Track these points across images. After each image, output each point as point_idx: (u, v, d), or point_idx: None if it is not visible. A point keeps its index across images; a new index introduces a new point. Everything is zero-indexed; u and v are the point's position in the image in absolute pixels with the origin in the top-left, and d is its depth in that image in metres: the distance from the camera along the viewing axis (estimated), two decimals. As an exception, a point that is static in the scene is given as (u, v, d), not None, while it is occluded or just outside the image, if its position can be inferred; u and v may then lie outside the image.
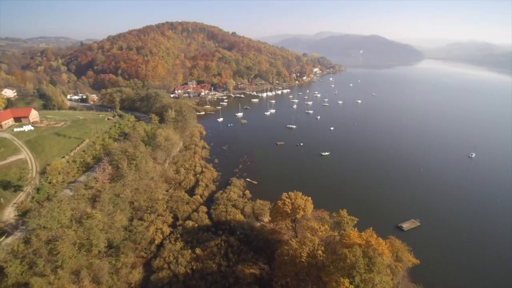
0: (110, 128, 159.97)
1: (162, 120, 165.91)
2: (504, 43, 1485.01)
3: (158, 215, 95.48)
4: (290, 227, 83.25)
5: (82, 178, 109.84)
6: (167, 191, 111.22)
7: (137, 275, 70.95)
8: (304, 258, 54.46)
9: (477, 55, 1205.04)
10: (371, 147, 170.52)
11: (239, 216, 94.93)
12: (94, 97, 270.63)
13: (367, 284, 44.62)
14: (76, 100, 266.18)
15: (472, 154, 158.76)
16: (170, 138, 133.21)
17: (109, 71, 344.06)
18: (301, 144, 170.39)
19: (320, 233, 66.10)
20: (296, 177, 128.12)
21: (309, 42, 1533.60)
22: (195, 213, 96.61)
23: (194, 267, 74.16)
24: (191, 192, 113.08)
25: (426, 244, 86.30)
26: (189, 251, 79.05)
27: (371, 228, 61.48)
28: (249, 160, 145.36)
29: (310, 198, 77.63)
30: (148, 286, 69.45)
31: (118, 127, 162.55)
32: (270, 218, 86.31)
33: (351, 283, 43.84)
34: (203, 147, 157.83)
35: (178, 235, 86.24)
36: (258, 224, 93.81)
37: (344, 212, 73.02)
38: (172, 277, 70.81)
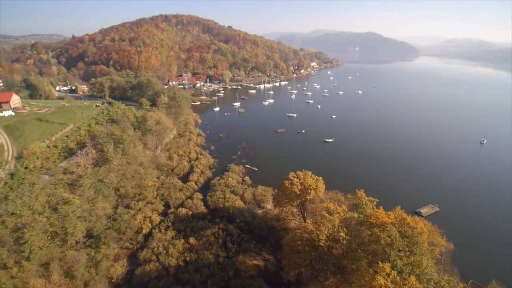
0: (98, 114, 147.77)
1: (154, 105, 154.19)
2: (499, 40, 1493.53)
3: (147, 203, 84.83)
4: (298, 213, 73.02)
5: (63, 163, 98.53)
6: (158, 177, 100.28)
7: (119, 268, 60.08)
8: (323, 242, 44.07)
9: (472, 52, 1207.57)
10: (376, 134, 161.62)
11: (239, 203, 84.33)
12: (84, 88, 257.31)
13: (412, 269, 34.63)
14: (65, 91, 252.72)
15: (483, 140, 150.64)
16: (161, 122, 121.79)
17: (100, 63, 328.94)
18: (303, 131, 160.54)
19: (337, 214, 55.88)
20: (300, 163, 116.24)
21: (304, 39, 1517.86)
22: (189, 200, 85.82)
23: (188, 258, 63.67)
24: (185, 179, 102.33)
25: (448, 230, 75.74)
26: (182, 240, 68.46)
27: (399, 206, 51.54)
28: (248, 147, 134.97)
29: (321, 178, 67.53)
30: (132, 281, 58.66)
31: (107, 114, 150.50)
32: (274, 203, 76.10)
33: (392, 268, 33.78)
34: (199, 135, 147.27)
35: (170, 224, 75.64)
36: (260, 211, 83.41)
37: (361, 193, 63.04)
38: (161, 270, 60.30)
